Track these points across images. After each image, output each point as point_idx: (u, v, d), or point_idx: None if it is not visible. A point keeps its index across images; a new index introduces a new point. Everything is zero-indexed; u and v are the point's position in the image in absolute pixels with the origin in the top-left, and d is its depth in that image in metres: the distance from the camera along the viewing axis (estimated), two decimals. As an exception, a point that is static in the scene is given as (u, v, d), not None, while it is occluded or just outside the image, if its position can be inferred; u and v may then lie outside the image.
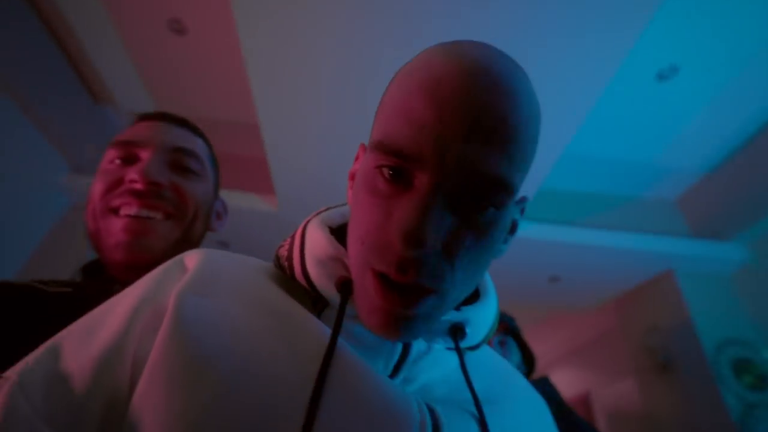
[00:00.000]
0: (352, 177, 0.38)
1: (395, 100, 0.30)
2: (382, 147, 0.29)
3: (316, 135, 1.89)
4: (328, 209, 0.43)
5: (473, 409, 0.34)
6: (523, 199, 0.38)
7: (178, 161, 0.58)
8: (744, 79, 1.93)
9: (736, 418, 1.91)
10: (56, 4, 1.91)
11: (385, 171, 0.29)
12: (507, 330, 1.25)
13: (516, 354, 1.23)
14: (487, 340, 0.41)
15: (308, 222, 0.40)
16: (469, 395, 0.35)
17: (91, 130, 2.52)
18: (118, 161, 0.56)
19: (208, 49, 1.99)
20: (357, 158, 0.39)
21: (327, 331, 0.32)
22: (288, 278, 0.38)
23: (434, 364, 0.37)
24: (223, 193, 2.37)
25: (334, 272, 0.34)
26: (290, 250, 0.39)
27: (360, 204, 0.31)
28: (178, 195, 0.57)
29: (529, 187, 2.04)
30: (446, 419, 0.31)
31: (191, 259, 0.37)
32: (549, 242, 2.41)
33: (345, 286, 0.33)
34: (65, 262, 2.21)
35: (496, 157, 0.27)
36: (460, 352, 0.35)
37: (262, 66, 1.59)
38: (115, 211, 0.54)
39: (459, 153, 0.27)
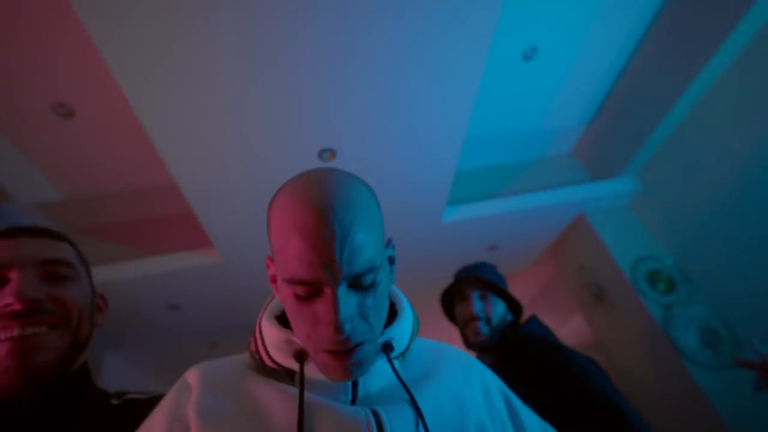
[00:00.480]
0: (273, 280, 0.51)
1: (285, 248, 0.43)
2: (293, 281, 0.43)
3: (237, 178, 1.93)
4: (272, 299, 0.57)
5: (406, 395, 0.48)
6: (389, 240, 0.53)
7: (50, 272, 0.58)
8: (595, 39, 2.27)
9: (659, 321, 2.27)
10: None
11: (301, 292, 0.43)
12: (484, 285, 1.28)
13: (499, 304, 1.27)
14: (411, 344, 0.55)
15: (261, 318, 0.54)
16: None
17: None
18: None
19: (102, 125, 1.95)
20: (268, 267, 0.51)
21: (296, 391, 0.47)
22: (267, 366, 0.52)
23: (379, 377, 0.51)
24: (164, 258, 2.31)
25: (289, 350, 0.49)
26: (256, 345, 0.53)
27: (291, 309, 0.46)
28: (59, 305, 0.57)
29: (444, 175, 2.25)
30: (385, 414, 0.46)
31: (192, 376, 0.50)
32: (478, 218, 2.65)
33: (300, 357, 0.49)
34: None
35: (358, 255, 0.42)
36: (390, 362, 0.50)
37: (162, 129, 1.60)
38: None
39: (337, 266, 0.41)
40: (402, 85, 1.67)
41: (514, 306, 1.30)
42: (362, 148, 1.90)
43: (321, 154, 1.83)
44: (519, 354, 1.15)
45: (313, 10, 1.34)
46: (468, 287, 1.31)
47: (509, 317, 1.29)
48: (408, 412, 0.46)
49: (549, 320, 3.85)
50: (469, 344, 1.27)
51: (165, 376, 3.80)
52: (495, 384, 0.59)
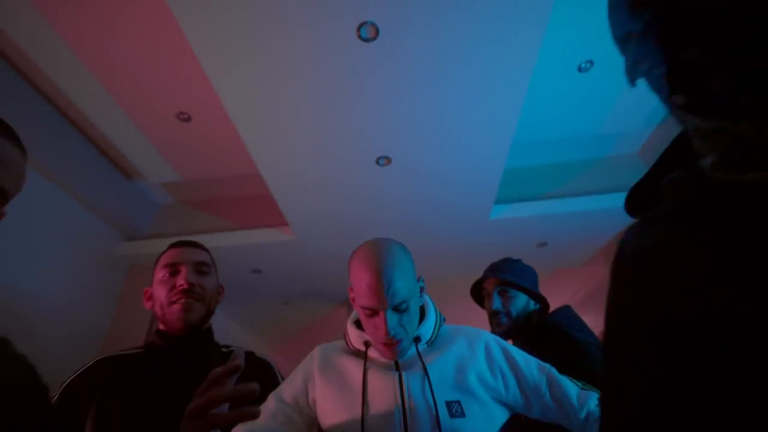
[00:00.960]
0: (353, 300, 0.86)
1: (359, 287, 0.79)
2: (363, 307, 0.79)
3: (309, 178, 2.32)
4: (353, 311, 0.96)
5: (421, 364, 0.82)
6: (419, 277, 0.88)
7: (199, 269, 1.00)
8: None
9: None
10: (77, 105, 2.41)
11: (367, 312, 0.79)
12: (498, 283, 1.45)
13: (521, 297, 1.43)
14: (434, 336, 0.88)
15: (348, 322, 0.93)
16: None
17: (129, 201, 3.05)
18: (167, 275, 0.97)
19: (211, 128, 2.46)
20: (350, 293, 0.86)
21: (363, 361, 0.86)
22: (351, 349, 0.90)
23: (410, 356, 0.85)
24: (251, 232, 2.80)
25: (361, 341, 0.87)
26: (345, 337, 0.92)
27: (362, 319, 0.83)
28: (202, 289, 0.98)
29: (491, 176, 2.41)
30: (406, 375, 0.81)
31: (315, 350, 0.92)
32: (527, 217, 2.79)
33: (367, 344, 0.87)
34: (139, 309, 2.78)
35: (396, 294, 0.77)
36: (417, 348, 0.85)
37: (252, 128, 1.98)
38: (173, 302, 0.95)
39: (386, 300, 0.76)
40: (451, 97, 1.87)
41: (536, 297, 1.44)
42: (415, 154, 2.17)
43: (378, 161, 2.13)
44: (541, 338, 1.32)
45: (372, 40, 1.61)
46: (490, 285, 1.50)
47: (533, 306, 1.44)
48: (420, 373, 0.80)
49: (595, 318, 3.87)
50: (495, 333, 1.41)
51: (246, 327, 4.56)
52: (497, 345, 0.87)
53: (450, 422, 0.74)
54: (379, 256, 0.78)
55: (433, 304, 0.92)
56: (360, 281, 0.77)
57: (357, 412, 0.76)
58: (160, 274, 0.99)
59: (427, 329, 0.86)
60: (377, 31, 1.55)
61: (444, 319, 0.92)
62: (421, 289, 0.86)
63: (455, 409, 0.76)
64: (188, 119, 2.39)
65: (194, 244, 1.05)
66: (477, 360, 0.82)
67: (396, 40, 1.60)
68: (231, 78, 1.70)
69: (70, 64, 2.10)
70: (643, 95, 2.51)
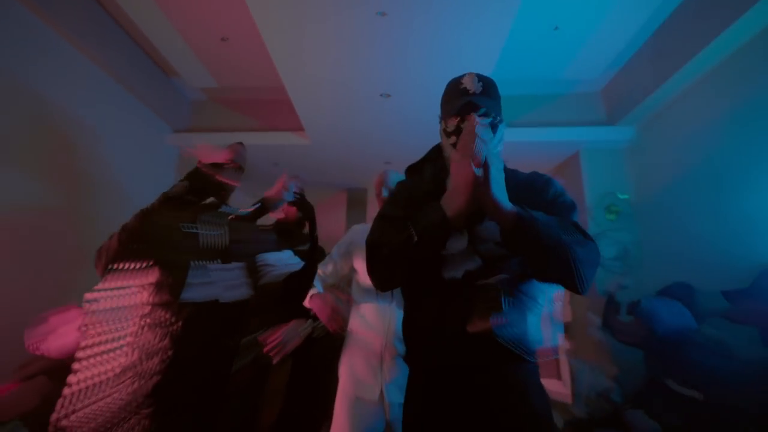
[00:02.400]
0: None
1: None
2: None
3: (328, 83, 2.95)
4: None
5: None
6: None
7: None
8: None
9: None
10: (135, 24, 2.92)
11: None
12: None
13: None
14: None
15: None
16: None
17: (170, 96, 3.67)
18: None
19: (245, 44, 2.99)
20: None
21: None
22: None
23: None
24: (273, 134, 3.55)
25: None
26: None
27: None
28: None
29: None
30: None
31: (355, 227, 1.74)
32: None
33: None
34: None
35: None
36: None
37: (278, 39, 2.56)
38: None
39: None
40: (437, 46, 2.42)
41: None
42: (413, 91, 2.80)
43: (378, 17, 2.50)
44: None
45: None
46: None
47: None
48: None
49: None
50: None
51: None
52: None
53: None
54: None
55: None
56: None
57: None
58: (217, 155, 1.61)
59: None
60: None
61: None
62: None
63: None
64: (226, 40, 2.91)
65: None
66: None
67: (401, 11, 2.15)
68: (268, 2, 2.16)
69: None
70: (609, 42, 3.06)
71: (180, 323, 1.01)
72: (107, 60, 2.84)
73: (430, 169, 1.14)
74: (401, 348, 1.33)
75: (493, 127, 1.01)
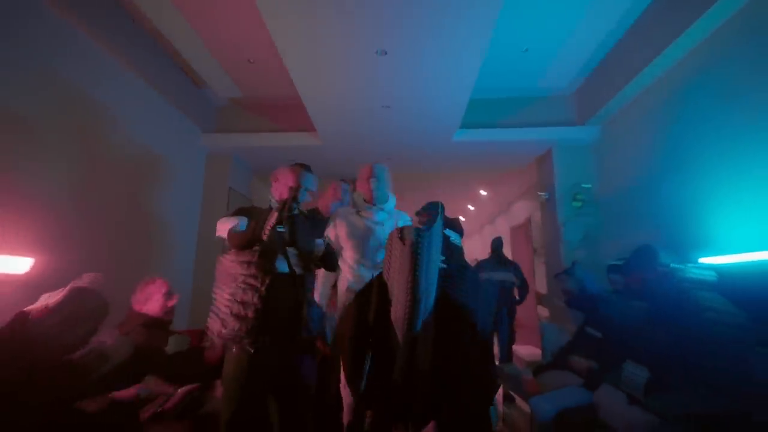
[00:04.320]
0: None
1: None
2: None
3: (338, 98, 3.53)
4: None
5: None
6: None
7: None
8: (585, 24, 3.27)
9: (561, 221, 3.89)
10: (163, 35, 3.49)
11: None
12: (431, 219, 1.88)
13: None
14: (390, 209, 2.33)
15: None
16: None
17: (200, 103, 4.25)
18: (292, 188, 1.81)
19: (267, 62, 3.56)
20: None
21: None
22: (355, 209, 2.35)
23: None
24: (288, 134, 4.24)
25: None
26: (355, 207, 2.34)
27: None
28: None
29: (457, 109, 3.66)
30: (380, 224, 2.29)
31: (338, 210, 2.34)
32: (479, 142, 4.12)
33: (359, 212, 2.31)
34: (219, 187, 4.26)
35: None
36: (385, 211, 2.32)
37: (296, 63, 3.15)
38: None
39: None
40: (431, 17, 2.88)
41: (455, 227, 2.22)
42: (409, 103, 3.38)
43: (377, 52, 2.79)
44: None
45: None
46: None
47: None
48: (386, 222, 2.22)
49: (528, 210, 5.62)
50: None
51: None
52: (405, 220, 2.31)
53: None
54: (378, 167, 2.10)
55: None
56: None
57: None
58: (292, 180, 2.12)
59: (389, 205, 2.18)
60: None
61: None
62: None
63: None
64: (252, 61, 3.50)
65: (310, 170, 2.29)
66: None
67: (398, 47, 2.71)
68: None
69: (170, 12, 3.13)
70: (575, 56, 3.61)
71: (265, 288, 1.60)
72: (150, 75, 3.43)
73: (376, 297, 1.43)
74: None
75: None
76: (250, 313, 1.56)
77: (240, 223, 1.64)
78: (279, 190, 1.89)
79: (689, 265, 1.80)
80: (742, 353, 1.38)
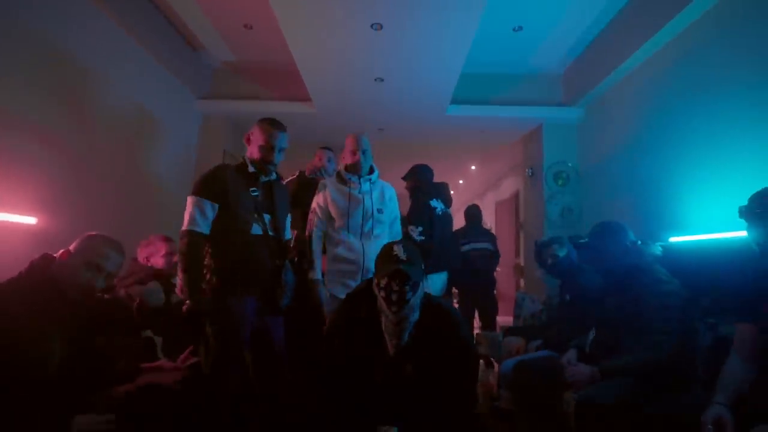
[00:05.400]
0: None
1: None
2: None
3: (334, 69, 3.58)
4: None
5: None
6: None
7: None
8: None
9: (546, 198, 4.09)
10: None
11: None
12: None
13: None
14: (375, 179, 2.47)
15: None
16: None
17: (195, 68, 4.24)
18: (266, 146, 1.66)
19: (264, 28, 3.57)
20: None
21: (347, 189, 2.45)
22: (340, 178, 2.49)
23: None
24: (283, 103, 4.32)
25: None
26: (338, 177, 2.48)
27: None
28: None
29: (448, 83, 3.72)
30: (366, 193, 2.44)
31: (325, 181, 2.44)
32: (472, 117, 4.23)
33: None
34: (213, 150, 4.33)
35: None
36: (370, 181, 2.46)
37: (294, 30, 3.17)
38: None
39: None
40: None
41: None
42: (401, 75, 3.45)
43: (372, 26, 2.86)
44: None
45: None
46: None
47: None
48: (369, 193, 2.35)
49: (515, 184, 5.81)
50: None
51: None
52: (390, 191, 2.30)
53: (377, 215, 2.22)
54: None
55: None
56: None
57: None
58: (261, 140, 1.67)
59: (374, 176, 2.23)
60: None
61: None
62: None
63: (378, 209, 2.22)
64: (251, 27, 3.51)
65: (284, 130, 1.76)
66: (386, 194, 2.31)
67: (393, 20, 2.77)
68: None
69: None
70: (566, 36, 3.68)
71: (240, 244, 1.67)
72: (148, 40, 3.43)
73: (365, 305, 1.40)
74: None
75: (414, 285, 1.29)
76: (227, 266, 1.64)
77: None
78: (251, 150, 1.78)
79: (648, 242, 1.99)
80: (691, 321, 1.60)
